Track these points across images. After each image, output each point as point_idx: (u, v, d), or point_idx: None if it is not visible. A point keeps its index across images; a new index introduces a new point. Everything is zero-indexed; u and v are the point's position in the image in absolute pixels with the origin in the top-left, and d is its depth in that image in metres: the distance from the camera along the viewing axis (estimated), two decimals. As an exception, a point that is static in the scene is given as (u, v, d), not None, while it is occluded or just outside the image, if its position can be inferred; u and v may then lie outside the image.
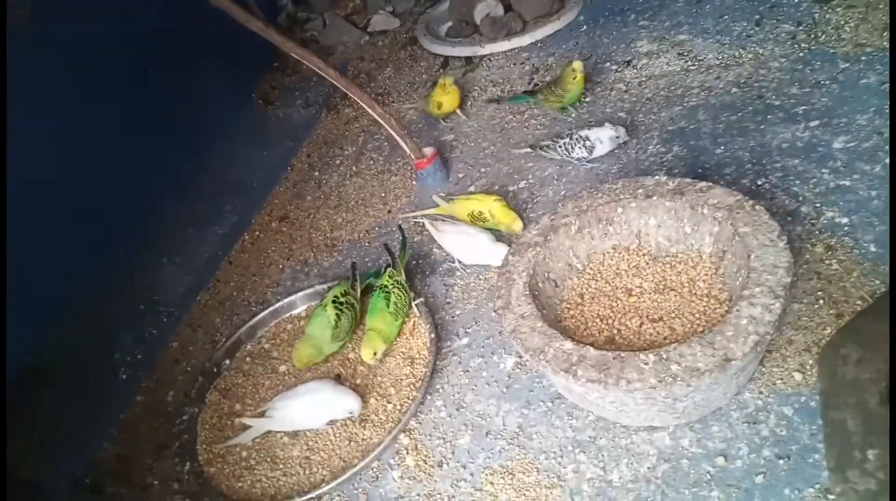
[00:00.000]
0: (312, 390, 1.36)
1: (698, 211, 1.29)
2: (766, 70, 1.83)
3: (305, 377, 1.49)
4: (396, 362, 1.46)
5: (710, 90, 1.85)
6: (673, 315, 1.25)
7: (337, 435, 1.36)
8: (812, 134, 1.60)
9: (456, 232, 1.64)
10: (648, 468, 1.15)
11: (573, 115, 1.97)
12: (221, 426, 1.47)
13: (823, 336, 1.20)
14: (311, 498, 1.26)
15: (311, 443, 1.36)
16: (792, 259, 1.12)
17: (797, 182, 1.51)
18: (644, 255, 1.37)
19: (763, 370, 1.21)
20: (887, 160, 1.47)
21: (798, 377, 1.18)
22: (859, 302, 1.23)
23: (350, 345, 1.54)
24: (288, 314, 1.69)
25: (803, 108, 1.68)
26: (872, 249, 1.32)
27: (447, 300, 1.59)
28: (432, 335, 1.45)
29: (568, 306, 1.34)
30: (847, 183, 1.47)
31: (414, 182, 1.98)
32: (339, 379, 1.45)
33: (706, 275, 1.29)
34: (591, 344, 1.13)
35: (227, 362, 1.61)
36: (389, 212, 1.92)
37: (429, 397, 1.39)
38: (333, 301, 1.50)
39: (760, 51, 1.90)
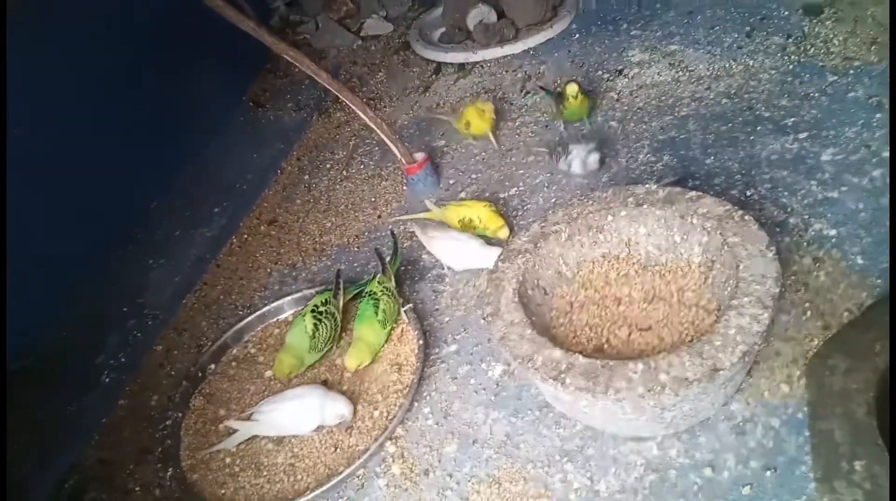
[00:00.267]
0: (301, 395, 1.35)
1: (688, 220, 1.29)
2: (757, 82, 1.85)
3: (292, 383, 1.47)
4: (384, 368, 1.45)
5: (701, 101, 1.86)
6: (662, 325, 1.25)
7: (322, 442, 1.34)
8: (801, 146, 1.61)
9: (446, 238, 1.63)
10: (636, 478, 1.14)
11: (585, 127, 1.95)
12: (205, 431, 1.45)
13: (811, 348, 1.20)
14: (295, 506, 1.25)
15: (296, 450, 1.35)
16: (780, 270, 1.12)
17: (786, 194, 1.52)
18: (633, 264, 1.37)
19: (751, 380, 1.21)
20: (875, 173, 1.48)
21: (785, 388, 1.18)
22: (846, 314, 1.24)
23: (337, 351, 1.53)
24: (275, 319, 1.67)
25: (792, 120, 1.69)
26: (860, 261, 1.33)
27: (436, 307, 1.58)
28: (420, 342, 1.44)
29: (557, 314, 1.34)
30: (835, 195, 1.48)
31: (404, 187, 1.97)
32: (325, 385, 1.43)
33: (695, 285, 1.29)
34: (580, 353, 1.13)
35: (213, 366, 1.59)
36: (379, 217, 1.91)
37: (416, 404, 1.38)
38: (312, 311, 1.49)
39: (751, 62, 1.91)
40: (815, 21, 1.96)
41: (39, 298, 1.59)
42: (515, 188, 1.82)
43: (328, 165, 2.21)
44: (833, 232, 1.41)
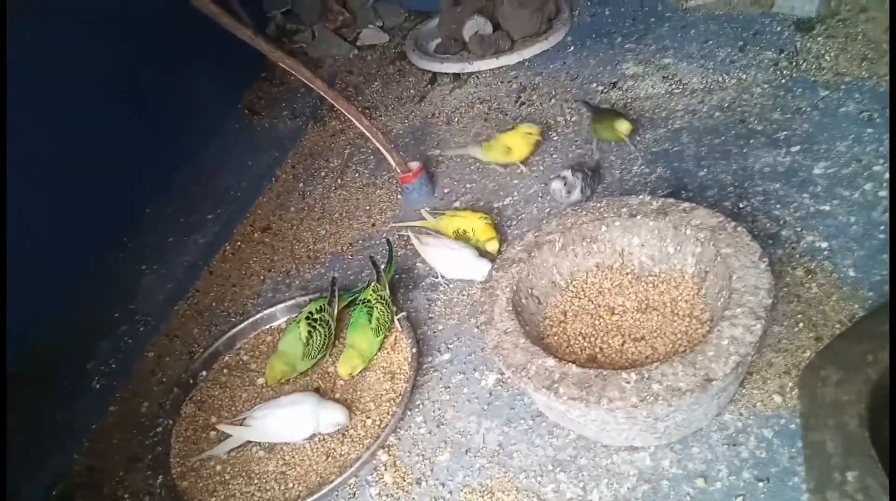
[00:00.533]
0: (295, 402, 1.34)
1: (681, 231, 1.30)
2: (749, 95, 1.86)
3: (285, 390, 1.46)
4: (377, 376, 1.45)
5: (694, 114, 1.88)
6: (655, 335, 1.26)
7: (314, 450, 1.33)
8: (793, 159, 1.63)
9: (440, 246, 1.64)
10: (629, 488, 1.14)
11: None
12: (196, 438, 1.44)
13: (803, 359, 1.21)
14: (287, 514, 1.24)
15: (287, 458, 1.34)
16: (773, 281, 1.13)
17: (778, 206, 1.53)
18: (627, 274, 1.38)
19: (743, 391, 1.21)
20: (866, 186, 1.50)
21: (778, 399, 1.18)
22: (838, 326, 1.24)
23: (330, 359, 1.52)
24: (268, 326, 1.66)
25: (785, 133, 1.70)
26: (851, 273, 1.34)
27: (429, 315, 1.58)
28: (414, 350, 1.44)
29: (551, 323, 1.34)
30: (827, 208, 1.49)
31: (399, 196, 1.97)
32: (318, 393, 1.43)
33: (688, 295, 1.29)
34: (574, 362, 1.13)
35: (204, 373, 1.58)
36: (374, 225, 1.91)
37: (409, 413, 1.37)
38: (307, 318, 1.49)
39: (743, 76, 1.93)
40: (806, 37, 1.98)
41: (31, 301, 1.57)
42: (510, 198, 1.83)
43: (323, 173, 2.21)
44: (825, 244, 1.42)
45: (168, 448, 1.43)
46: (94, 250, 1.89)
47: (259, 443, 1.37)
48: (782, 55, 1.96)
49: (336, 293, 1.57)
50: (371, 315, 1.46)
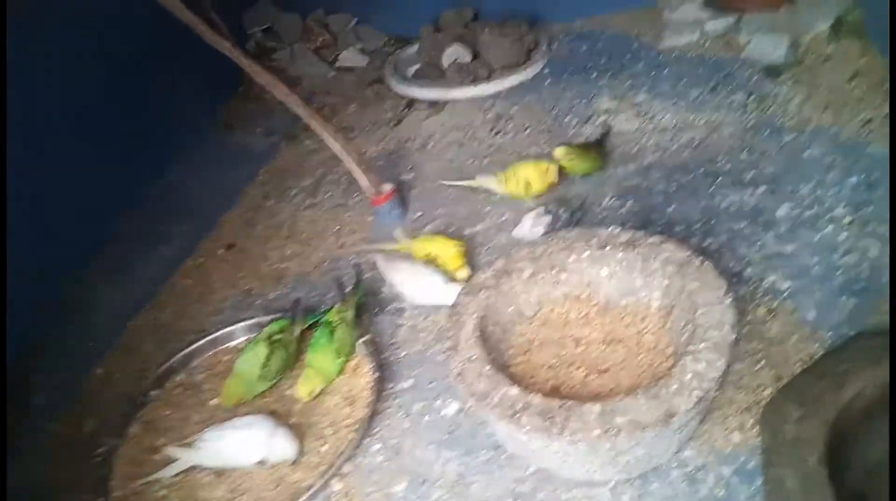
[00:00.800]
0: (250, 424, 1.29)
1: (650, 264, 1.30)
2: (718, 135, 1.90)
3: (239, 412, 1.41)
4: (335, 401, 1.41)
5: (665, 151, 1.91)
6: (619, 367, 1.25)
7: (265, 477, 1.28)
8: (758, 199, 1.66)
9: (406, 270, 1.62)
10: (587, 523, 1.12)
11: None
12: (141, 460, 1.37)
13: (763, 397, 1.21)
14: (233, 544, 1.18)
15: (236, 484, 1.28)
16: (737, 317, 1.14)
17: (743, 245, 1.55)
18: (594, 305, 1.37)
19: (704, 428, 1.20)
20: (827, 230, 1.53)
21: (737, 437, 1.18)
22: (798, 365, 1.25)
23: (288, 381, 1.48)
24: (226, 345, 1.61)
25: (751, 174, 1.74)
26: (812, 314, 1.36)
27: (393, 341, 1.55)
28: (375, 376, 1.40)
29: (516, 352, 1.32)
30: (790, 249, 1.51)
31: (370, 218, 1.95)
32: (273, 416, 1.38)
33: (654, 329, 1.29)
34: (538, 392, 1.11)
35: (156, 392, 1.52)
36: (342, 247, 1.88)
37: (367, 440, 1.33)
38: (267, 338, 1.45)
39: (714, 116, 1.97)
40: (774, 82, 2.04)
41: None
42: (481, 225, 1.82)
43: (293, 192, 2.19)
44: (787, 285, 1.43)
45: (110, 471, 1.36)
46: (45, 257, 1.82)
47: (208, 467, 1.32)
48: (751, 98, 2.01)
49: (299, 315, 1.54)
50: (333, 336, 1.43)
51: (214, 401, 1.47)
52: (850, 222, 1.53)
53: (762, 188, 1.68)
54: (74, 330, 1.74)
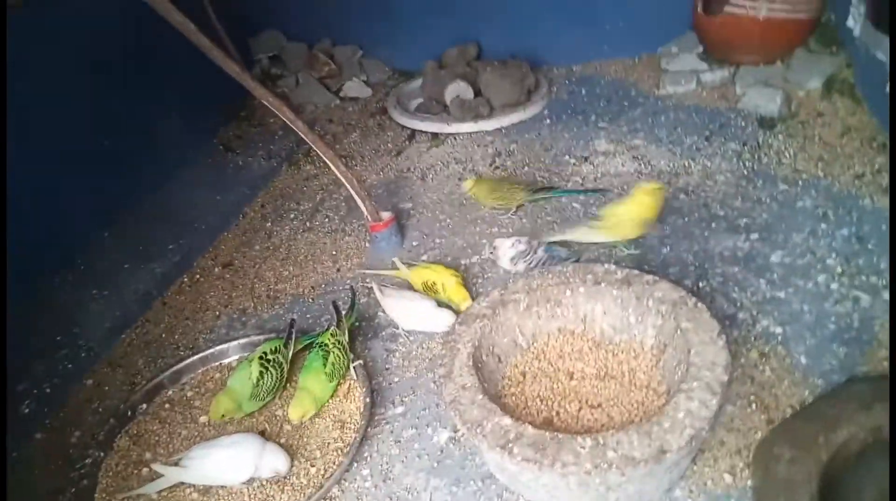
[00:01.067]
0: (237, 442, 1.28)
1: (644, 302, 1.32)
2: (713, 182, 1.94)
3: (228, 430, 1.40)
4: (326, 424, 1.40)
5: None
6: (611, 403, 1.25)
7: (252, 497, 1.27)
8: (752, 245, 1.69)
9: (399, 297, 1.63)
10: (575, 559, 1.11)
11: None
12: (126, 474, 1.35)
13: (754, 440, 1.22)
14: (215, 564, 1.16)
15: (222, 502, 1.27)
16: (730, 358, 1.15)
17: (736, 289, 1.58)
18: (588, 340, 1.38)
19: (695, 468, 1.20)
20: (819, 278, 1.56)
21: (728, 478, 1.18)
22: (789, 409, 1.26)
23: (279, 402, 1.47)
24: (218, 363, 1.61)
25: (745, 220, 1.77)
26: (803, 360, 1.38)
27: (386, 366, 1.55)
28: (367, 400, 1.40)
29: (509, 383, 1.33)
30: (782, 295, 1.54)
31: (367, 244, 1.97)
32: (263, 436, 1.37)
33: (646, 366, 1.30)
34: (530, 424, 1.11)
35: (145, 406, 1.51)
36: (339, 271, 1.89)
37: (355, 464, 1.33)
38: (260, 358, 1.44)
39: (708, 164, 2.02)
40: (768, 134, 2.09)
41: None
42: (477, 257, 1.84)
43: (292, 215, 2.20)
44: (779, 330, 1.45)
45: (95, 483, 1.34)
46: (41, 268, 1.82)
47: (193, 485, 1.30)
48: (745, 148, 2.06)
49: (293, 336, 1.54)
50: (327, 359, 1.42)
51: (203, 418, 1.46)
52: (842, 273, 1.56)
53: (755, 235, 1.72)
54: (65, 341, 1.73)
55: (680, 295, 1.31)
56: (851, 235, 1.66)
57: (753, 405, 1.29)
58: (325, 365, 1.42)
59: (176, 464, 1.29)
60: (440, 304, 1.60)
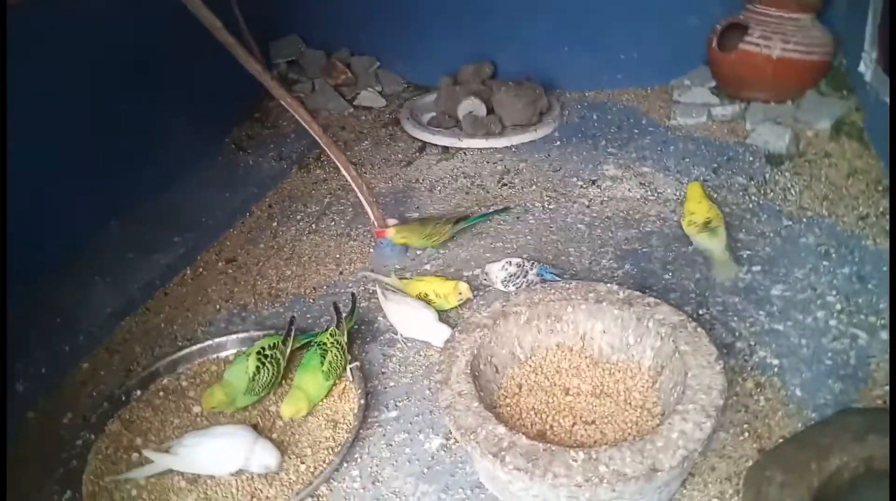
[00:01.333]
0: (230, 434, 1.28)
1: (644, 324, 1.33)
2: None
3: (220, 422, 1.40)
4: (318, 423, 1.40)
5: (665, 221, 1.96)
6: (606, 421, 1.26)
7: (239, 489, 1.26)
8: (753, 277, 1.70)
9: (402, 303, 1.63)
10: (559, 574, 1.10)
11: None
12: (116, 458, 1.35)
13: (745, 468, 1.21)
14: (198, 552, 1.16)
15: (209, 492, 1.26)
16: (726, 383, 1.16)
17: (735, 319, 1.59)
18: (586, 357, 1.39)
19: (684, 492, 1.20)
20: (819, 314, 1.57)
21: (717, 504, 1.18)
22: (781, 440, 1.26)
23: (273, 397, 1.47)
24: (215, 355, 1.61)
25: (748, 252, 1.79)
26: (798, 393, 1.38)
27: (382, 371, 1.56)
28: (361, 402, 1.40)
29: (505, 393, 1.33)
30: (781, 328, 1.55)
31: (371, 250, 1.98)
32: (255, 429, 1.37)
33: (643, 387, 1.31)
34: (523, 435, 1.12)
35: (139, 393, 1.51)
36: (341, 274, 1.90)
37: (345, 464, 1.32)
38: (258, 353, 1.45)
39: (714, 195, 2.04)
40: (775, 170, 2.12)
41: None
42: (480, 270, 1.85)
43: (298, 217, 2.22)
44: (776, 362, 1.46)
45: (84, 464, 1.33)
46: (47, 252, 1.82)
47: (182, 473, 1.30)
48: (752, 182, 2.08)
49: (292, 333, 1.54)
50: (324, 358, 1.43)
51: (197, 408, 1.46)
52: (841, 310, 1.57)
53: (757, 268, 1.73)
54: (64, 323, 1.73)
55: (680, 319, 1.32)
56: (852, 274, 1.67)
57: (746, 434, 1.29)
58: (322, 364, 1.42)
59: (167, 451, 1.29)
60: (441, 318, 1.61)
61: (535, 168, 2.34)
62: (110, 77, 2.08)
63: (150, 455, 1.29)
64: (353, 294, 1.71)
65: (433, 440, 1.37)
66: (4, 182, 1.45)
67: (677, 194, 2.07)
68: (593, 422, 1.26)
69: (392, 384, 1.52)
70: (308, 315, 1.76)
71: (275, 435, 1.37)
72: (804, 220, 1.88)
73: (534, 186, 2.23)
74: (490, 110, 2.60)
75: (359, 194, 1.83)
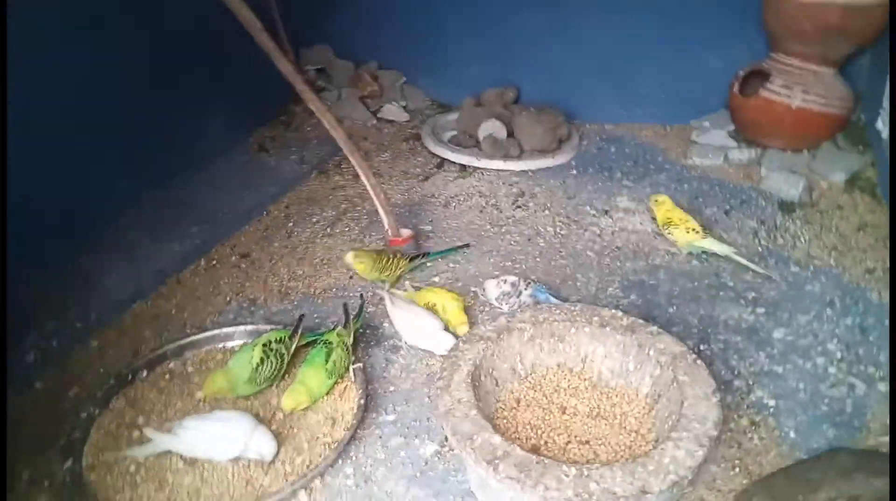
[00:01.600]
0: (231, 418, 1.31)
1: (645, 351, 1.35)
2: (727, 252, 1.99)
3: (222, 408, 1.43)
4: (318, 419, 1.42)
5: (674, 256, 1.99)
6: (600, 442, 1.28)
7: (235, 475, 1.29)
8: (756, 319, 1.72)
9: (408, 310, 1.66)
10: (541, 588, 1.12)
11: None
12: (118, 434, 1.38)
13: (734, 501, 1.23)
14: (189, 532, 1.18)
15: (206, 475, 1.28)
16: (721, 415, 1.18)
17: (735, 357, 1.61)
18: (585, 379, 1.41)
19: (671, 520, 1.22)
20: (819, 360, 1.59)
21: (702, 535, 1.19)
22: (772, 477, 1.28)
23: (275, 390, 1.50)
24: (222, 345, 1.64)
25: (753, 294, 1.81)
26: (792, 435, 1.40)
27: (384, 375, 1.58)
28: (361, 402, 1.42)
29: (503, 407, 1.35)
30: (780, 370, 1.57)
31: (384, 257, 2.01)
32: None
33: (639, 413, 1.33)
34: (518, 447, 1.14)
35: (145, 373, 1.54)
36: (351, 278, 1.93)
37: (340, 461, 1.35)
38: (264, 345, 1.48)
39: (724, 236, 2.06)
40: (787, 217, 2.14)
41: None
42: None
43: (314, 220, 2.26)
44: (772, 403, 1.48)
45: (86, 437, 1.36)
46: (68, 228, 1.87)
47: (181, 455, 1.32)
48: (762, 227, 2.10)
49: (300, 330, 1.57)
50: (329, 356, 1.46)
51: (200, 394, 1.48)
52: (841, 359, 1.59)
53: (761, 310, 1.75)
54: (78, 300, 1.77)
55: (681, 350, 1.34)
56: (855, 324, 1.69)
57: (737, 469, 1.31)
58: (326, 361, 1.45)
59: (168, 432, 1.31)
60: (447, 328, 1.63)
61: (549, 194, 2.37)
62: (146, 69, 2.14)
63: (150, 435, 1.32)
64: (361, 295, 1.74)
65: (428, 446, 1.39)
66: (4, 173, 1.49)
67: (688, 231, 2.10)
68: (587, 442, 1.28)
69: (392, 388, 1.54)
70: (315, 315, 1.79)
71: (274, 427, 1.40)
72: (811, 268, 1.91)
73: (547, 211, 2.27)
74: (510, 134, 2.65)
75: (375, 202, 1.87)
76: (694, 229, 1.94)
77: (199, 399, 1.47)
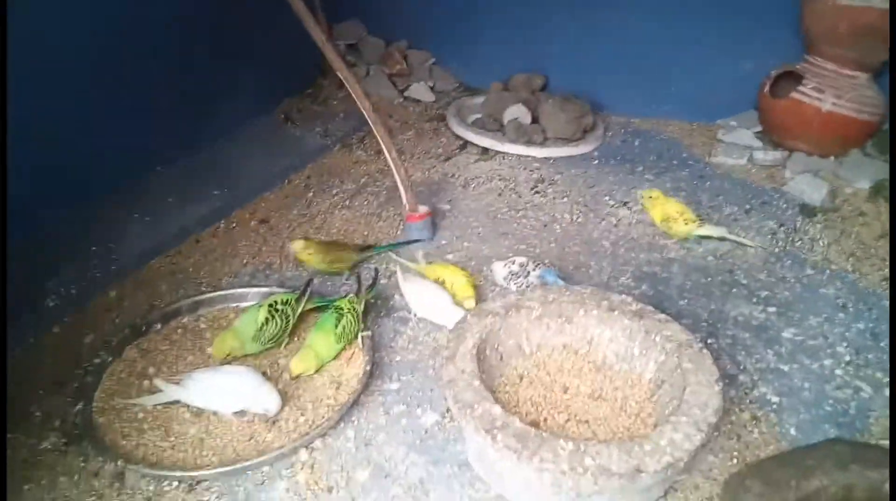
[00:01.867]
0: (239, 372, 1.34)
1: (651, 337, 1.36)
2: (743, 252, 1.98)
3: (231, 363, 1.46)
4: (323, 381, 1.45)
5: (689, 251, 1.98)
6: (599, 423, 1.29)
7: (240, 428, 1.32)
8: (767, 317, 1.72)
9: (419, 283, 1.68)
10: (530, 558, 1.13)
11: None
12: (129, 382, 1.42)
13: (728, 491, 1.24)
14: (191, 477, 1.21)
15: (210, 427, 1.32)
16: (722, 403, 1.18)
17: (742, 353, 1.60)
18: (589, 361, 1.42)
19: (665, 504, 1.23)
20: (826, 362, 1.58)
21: (695, 521, 1.20)
22: (768, 468, 1.28)
23: (284, 351, 1.53)
24: (236, 304, 1.67)
25: (766, 293, 1.80)
26: (793, 432, 1.39)
27: (391, 344, 1.60)
28: (367, 369, 1.45)
29: (505, 382, 1.37)
30: (786, 369, 1.56)
31: (399, 232, 2.03)
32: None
33: (640, 397, 1.33)
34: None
35: (159, 326, 1.58)
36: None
37: (342, 424, 1.37)
38: (270, 305, 1.51)
39: (742, 234, 2.05)
40: (807, 220, 2.12)
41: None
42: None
43: (334, 192, 2.28)
44: (776, 399, 1.48)
45: (98, 382, 1.40)
46: (96, 181, 1.92)
47: (188, 406, 1.36)
48: (782, 229, 2.09)
49: (307, 293, 1.60)
50: (339, 322, 1.48)
51: (210, 349, 1.51)
52: (849, 362, 1.58)
53: (773, 309, 1.74)
54: (99, 252, 1.82)
55: (687, 338, 1.34)
56: (867, 329, 1.67)
57: (735, 460, 1.31)
58: (336, 327, 1.47)
59: (177, 383, 1.35)
60: (457, 302, 1.65)
61: (569, 181, 2.37)
62: (181, 35, 2.18)
63: (160, 385, 1.35)
64: (375, 269, 1.76)
65: (429, 415, 1.41)
66: (4, 156, 1.52)
67: (706, 228, 2.09)
68: (587, 422, 1.29)
69: (398, 358, 1.56)
70: (328, 283, 1.81)
71: (280, 386, 1.42)
72: (827, 272, 1.89)
73: (565, 198, 2.27)
74: (535, 120, 2.65)
75: (395, 175, 1.89)
76: (691, 219, 1.98)
77: (209, 355, 1.51)
